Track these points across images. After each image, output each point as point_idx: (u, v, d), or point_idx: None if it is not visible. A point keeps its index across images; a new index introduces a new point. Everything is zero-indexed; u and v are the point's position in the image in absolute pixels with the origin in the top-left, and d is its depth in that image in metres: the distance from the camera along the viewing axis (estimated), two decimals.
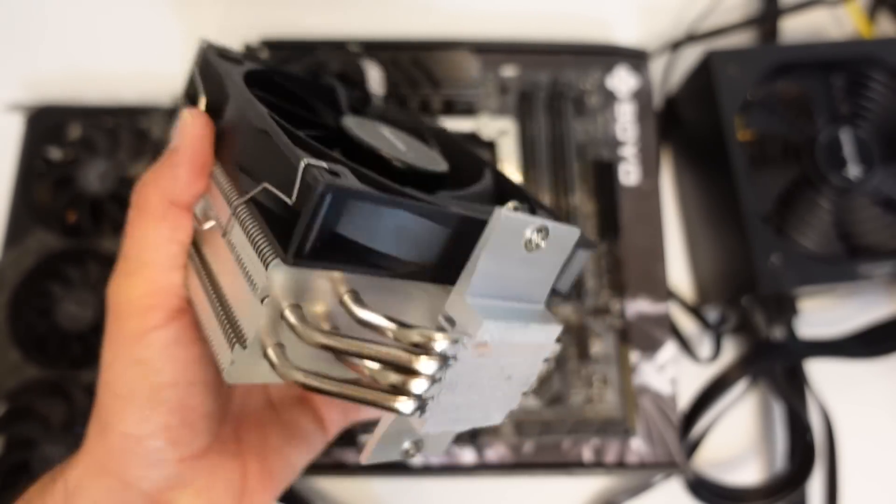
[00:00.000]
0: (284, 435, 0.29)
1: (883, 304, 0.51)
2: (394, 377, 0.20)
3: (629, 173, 0.48)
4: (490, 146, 0.48)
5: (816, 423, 0.47)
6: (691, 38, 0.54)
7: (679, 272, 0.52)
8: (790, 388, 0.47)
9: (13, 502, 0.26)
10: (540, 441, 0.44)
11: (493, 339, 0.21)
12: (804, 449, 0.46)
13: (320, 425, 0.31)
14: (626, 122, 0.49)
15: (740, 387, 0.48)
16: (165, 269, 0.25)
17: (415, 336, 0.20)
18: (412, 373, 0.20)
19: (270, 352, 0.22)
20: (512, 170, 0.47)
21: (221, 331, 0.23)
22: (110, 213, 0.47)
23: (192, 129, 0.25)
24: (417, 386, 0.20)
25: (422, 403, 0.21)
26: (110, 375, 0.25)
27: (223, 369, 0.22)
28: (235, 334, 0.22)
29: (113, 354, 0.25)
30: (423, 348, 0.20)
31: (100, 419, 0.25)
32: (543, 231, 0.22)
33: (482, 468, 0.44)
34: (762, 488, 0.46)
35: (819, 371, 0.49)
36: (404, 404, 0.20)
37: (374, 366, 0.21)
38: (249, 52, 0.46)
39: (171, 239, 0.25)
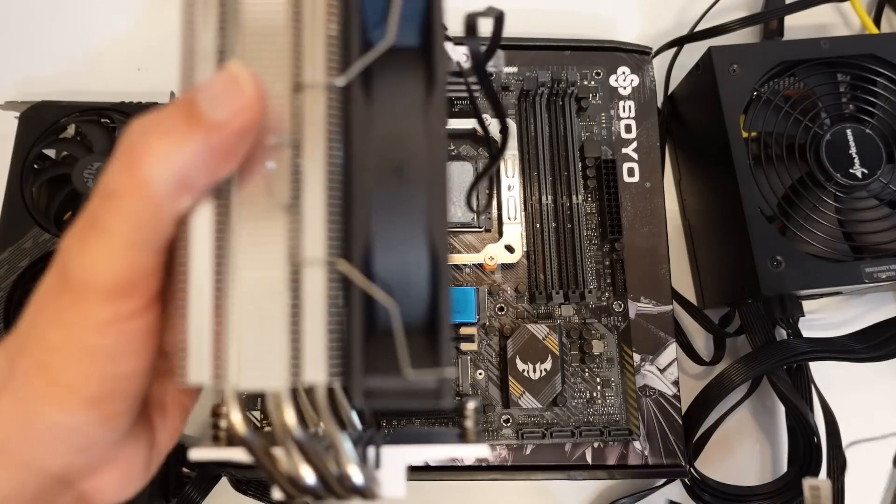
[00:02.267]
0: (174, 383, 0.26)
1: (889, 304, 0.51)
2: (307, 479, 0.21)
3: (631, 172, 0.48)
4: (490, 144, 0.48)
5: (820, 424, 0.47)
6: (694, 35, 0.54)
7: (682, 272, 0.52)
8: (794, 389, 0.47)
9: None
10: (541, 443, 0.43)
11: None
12: (809, 451, 0.45)
13: None
14: (628, 121, 0.49)
15: (744, 389, 0.47)
16: (149, 251, 0.20)
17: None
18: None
19: (239, 420, 0.20)
20: (512, 168, 0.46)
21: (210, 350, 0.20)
22: None
23: (248, 105, 0.19)
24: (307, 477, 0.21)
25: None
26: (54, 360, 0.20)
27: (186, 373, 0.20)
28: (229, 368, 0.20)
29: (63, 336, 0.20)
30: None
31: (21, 403, 0.21)
32: None
33: (482, 469, 0.43)
34: (766, 490, 0.46)
35: (822, 372, 0.49)
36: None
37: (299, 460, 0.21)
38: None
39: (165, 221, 0.20)
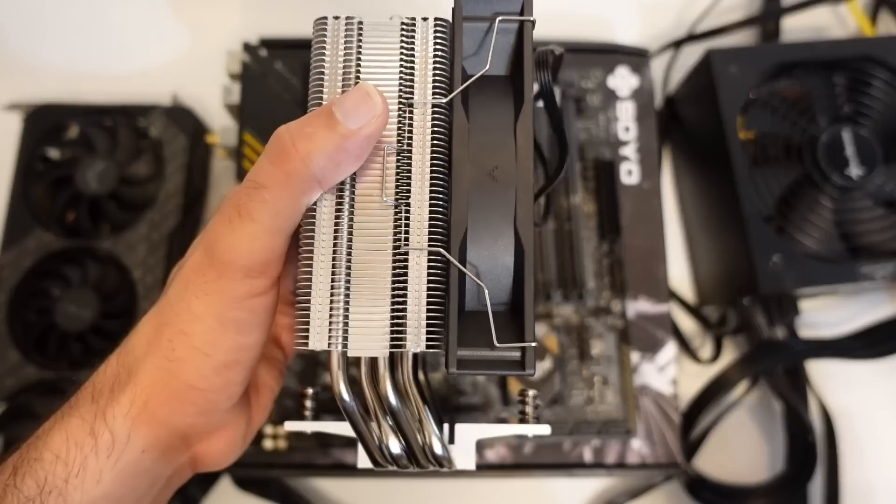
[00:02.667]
0: (267, 367, 0.30)
1: (885, 304, 0.51)
2: (395, 447, 0.25)
3: (630, 173, 0.48)
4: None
5: (817, 422, 0.47)
6: (692, 37, 0.54)
7: (680, 272, 0.52)
8: (791, 388, 0.47)
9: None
10: (540, 442, 0.43)
11: None
12: (805, 449, 0.46)
13: (283, 352, 0.32)
14: (626, 122, 0.49)
15: (741, 387, 0.47)
16: (283, 237, 0.24)
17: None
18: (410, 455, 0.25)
19: (344, 386, 0.24)
20: None
21: (329, 321, 0.24)
22: (109, 212, 0.47)
23: (378, 115, 0.23)
24: (394, 446, 0.25)
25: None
26: (195, 328, 0.24)
27: (303, 342, 0.24)
28: (343, 336, 0.24)
29: (205, 307, 0.24)
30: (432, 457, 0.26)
31: (163, 366, 0.24)
32: None
33: (482, 468, 0.44)
34: (763, 489, 0.46)
35: (820, 370, 0.49)
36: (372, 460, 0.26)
37: (387, 428, 0.25)
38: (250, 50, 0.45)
39: (299, 211, 0.24)
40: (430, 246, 0.24)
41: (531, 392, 0.27)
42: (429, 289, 0.23)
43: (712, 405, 0.46)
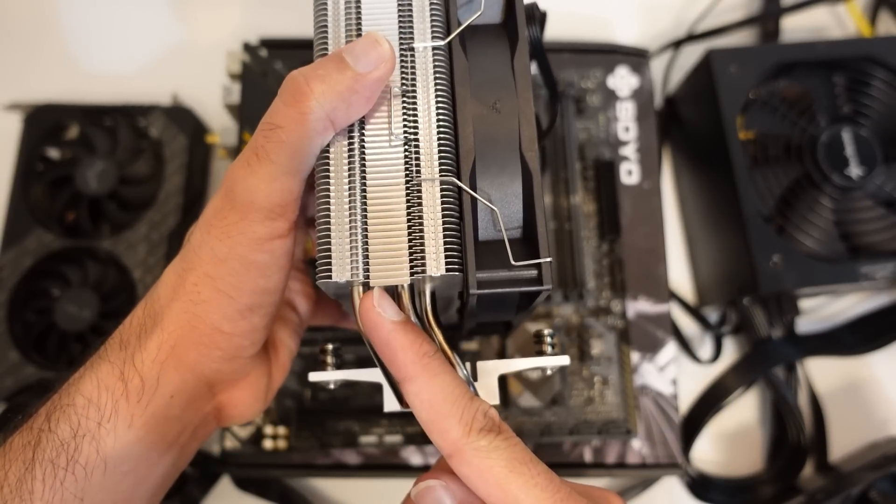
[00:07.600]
0: (284, 328, 0.31)
1: (885, 303, 0.51)
2: None
3: (630, 173, 0.48)
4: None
5: (815, 418, 0.47)
6: (692, 37, 0.54)
7: (679, 272, 0.52)
8: (785, 385, 0.47)
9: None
10: (540, 442, 0.43)
11: None
12: (798, 443, 0.46)
13: (297, 315, 0.33)
14: (626, 122, 0.49)
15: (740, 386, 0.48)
16: (300, 178, 0.24)
17: None
18: None
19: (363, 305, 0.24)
20: None
21: (349, 254, 0.24)
22: (109, 212, 0.47)
23: (387, 59, 0.24)
24: None
25: None
26: (220, 270, 0.24)
27: (326, 276, 0.24)
28: (364, 268, 0.24)
29: (229, 249, 0.24)
30: None
31: (189, 310, 0.25)
32: None
33: None
34: (758, 481, 0.46)
35: (816, 364, 0.49)
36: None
37: None
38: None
39: (314, 153, 0.24)
40: (441, 176, 0.24)
41: (547, 330, 0.28)
42: (444, 217, 0.24)
43: (713, 412, 0.47)
